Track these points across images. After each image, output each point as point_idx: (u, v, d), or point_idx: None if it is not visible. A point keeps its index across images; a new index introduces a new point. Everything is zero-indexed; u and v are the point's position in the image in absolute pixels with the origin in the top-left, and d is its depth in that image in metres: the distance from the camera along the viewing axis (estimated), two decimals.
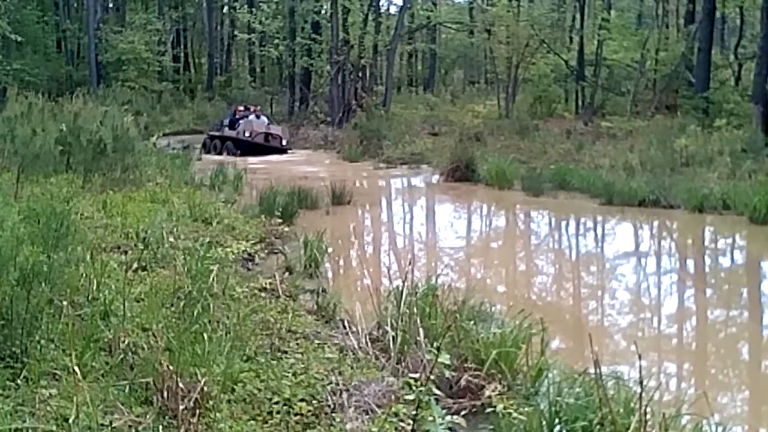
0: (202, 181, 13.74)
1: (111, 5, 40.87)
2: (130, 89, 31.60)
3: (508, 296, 8.24)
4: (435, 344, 3.53)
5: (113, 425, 3.53)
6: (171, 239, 7.24)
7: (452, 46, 43.46)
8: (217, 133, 24.30)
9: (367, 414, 4.03)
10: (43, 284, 4.12)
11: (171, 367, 3.80)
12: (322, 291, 6.53)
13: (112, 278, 5.58)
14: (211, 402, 3.86)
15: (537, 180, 15.37)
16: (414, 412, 3.23)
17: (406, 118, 27.99)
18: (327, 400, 4.14)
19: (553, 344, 5.71)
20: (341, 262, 9.79)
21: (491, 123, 25.65)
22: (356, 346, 5.10)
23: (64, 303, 4.38)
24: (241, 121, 23.78)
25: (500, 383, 4.58)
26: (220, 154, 22.17)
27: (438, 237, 12.52)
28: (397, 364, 4.81)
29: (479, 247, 11.97)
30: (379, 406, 4.07)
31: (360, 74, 30.39)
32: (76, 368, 3.47)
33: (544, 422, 3.85)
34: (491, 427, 4.09)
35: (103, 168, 11.35)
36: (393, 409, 3.81)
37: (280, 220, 9.87)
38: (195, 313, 5.07)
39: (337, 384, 4.29)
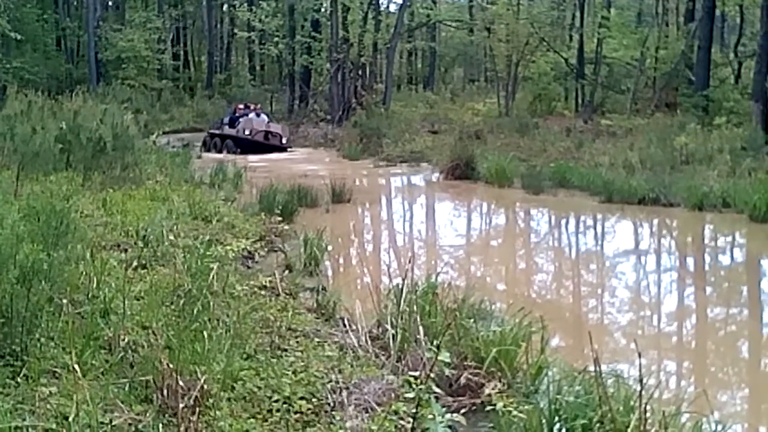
0: (201, 179, 13.73)
1: (111, 3, 40.85)
2: (129, 87, 31.60)
3: (508, 294, 8.25)
4: (435, 342, 3.53)
5: (113, 423, 3.53)
6: (171, 237, 7.24)
7: (452, 44, 43.41)
8: (217, 132, 24.29)
9: (367, 412, 4.03)
10: (43, 282, 4.12)
11: (171, 365, 3.80)
12: (322, 289, 6.54)
13: (112, 276, 5.58)
14: (210, 400, 3.86)
15: (537, 178, 15.36)
16: (414, 410, 3.23)
17: (405, 116, 27.96)
18: (327, 398, 4.14)
19: (553, 342, 5.71)
20: (341, 260, 9.79)
21: (491, 121, 25.66)
22: (356, 344, 5.10)
23: (64, 301, 4.37)
24: (241, 120, 23.77)
25: (500, 381, 4.59)
26: (220, 152, 22.15)
27: (438, 235, 12.53)
28: (397, 362, 4.81)
29: (479, 245, 11.97)
30: (379, 404, 4.07)
31: (360, 72, 30.39)
32: (76, 366, 3.46)
33: (543, 420, 3.85)
34: (491, 425, 4.09)
35: (102, 166, 11.35)
36: (393, 407, 3.80)
37: (280, 218, 9.87)
38: (195, 311, 5.06)
39: (337, 382, 4.30)
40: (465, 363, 4.68)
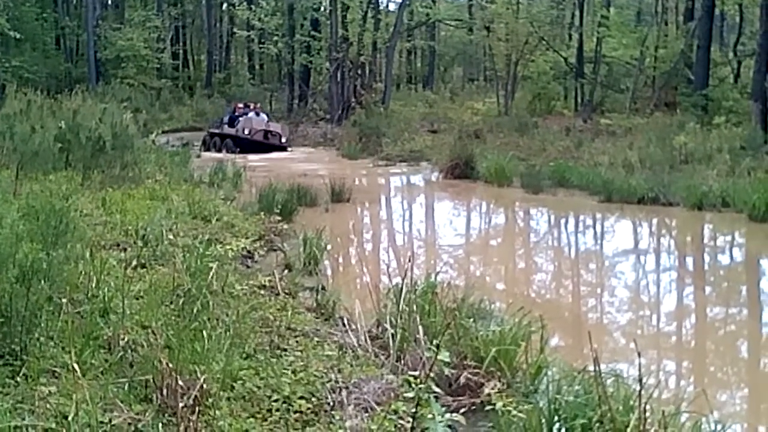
0: (201, 178, 13.72)
1: (110, 2, 40.81)
2: (129, 86, 31.55)
3: (508, 294, 8.24)
4: (434, 342, 3.53)
5: (112, 423, 3.53)
6: (170, 236, 7.24)
7: (451, 43, 43.45)
8: (216, 131, 24.27)
9: (367, 411, 4.03)
10: (43, 281, 4.12)
11: (170, 365, 3.80)
12: (322, 288, 6.52)
13: (111, 275, 5.57)
14: (210, 399, 3.85)
15: (536, 177, 15.36)
16: (413, 410, 3.23)
17: (405, 115, 27.97)
18: (326, 397, 4.14)
19: (553, 342, 5.71)
20: (340, 260, 9.79)
21: (490, 120, 25.67)
22: (356, 344, 5.10)
23: (64, 300, 4.37)
24: (240, 119, 23.75)
25: (500, 381, 4.58)
26: (219, 151, 22.12)
27: (437, 234, 12.53)
28: (396, 361, 4.81)
29: (478, 244, 11.97)
30: (378, 404, 4.07)
31: (359, 71, 30.37)
32: (75, 366, 3.47)
33: (543, 420, 3.85)
34: (490, 424, 4.09)
35: (102, 165, 11.34)
36: (392, 407, 3.80)
37: (279, 218, 9.88)
38: (194, 311, 5.06)
39: (337, 381, 4.29)
40: (464, 362, 4.68)
